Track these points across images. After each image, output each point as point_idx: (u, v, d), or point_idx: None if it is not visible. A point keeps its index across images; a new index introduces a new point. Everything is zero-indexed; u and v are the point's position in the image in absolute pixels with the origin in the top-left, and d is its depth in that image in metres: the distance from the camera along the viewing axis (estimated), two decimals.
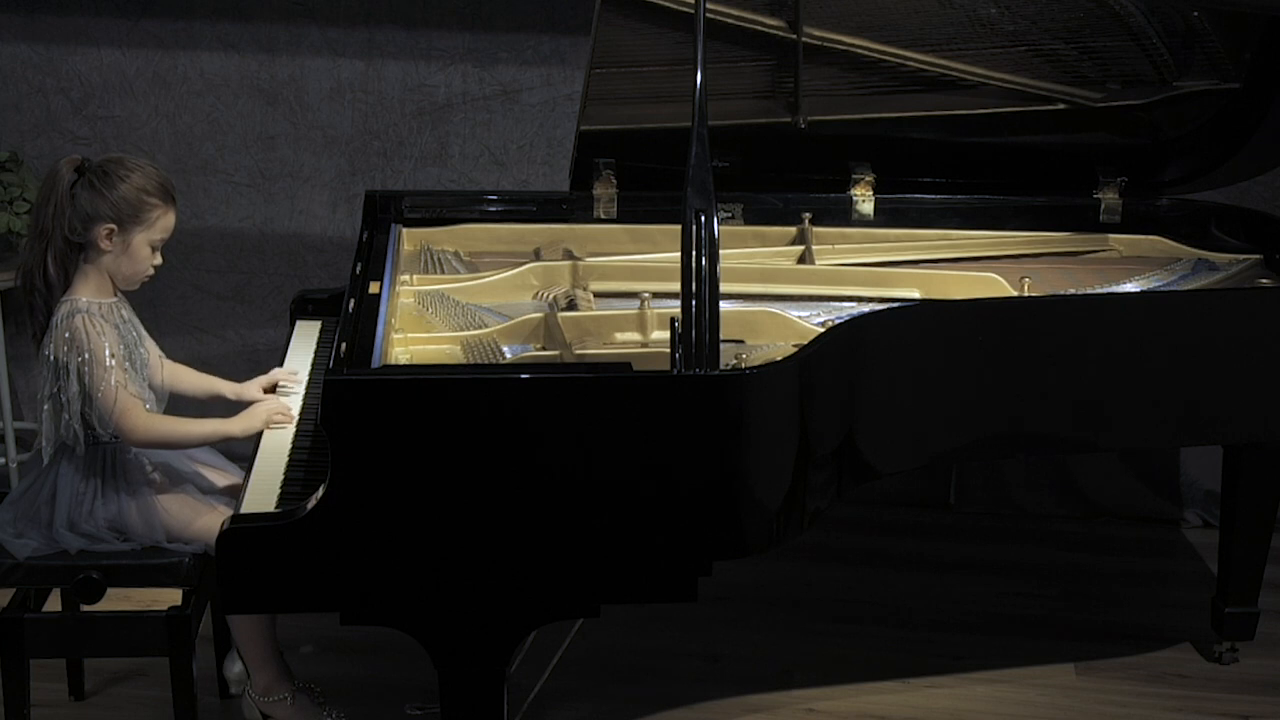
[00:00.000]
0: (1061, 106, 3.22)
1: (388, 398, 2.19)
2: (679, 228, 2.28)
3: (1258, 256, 3.20)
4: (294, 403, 2.78)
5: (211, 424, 2.63)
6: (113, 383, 2.53)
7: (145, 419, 2.57)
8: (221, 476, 2.79)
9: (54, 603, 2.77)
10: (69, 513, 2.59)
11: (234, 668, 2.94)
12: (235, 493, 2.68)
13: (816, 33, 3.07)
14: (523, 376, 2.23)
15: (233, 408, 2.75)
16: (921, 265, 3.21)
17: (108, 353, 2.53)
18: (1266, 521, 3.15)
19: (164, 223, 2.60)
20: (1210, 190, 3.39)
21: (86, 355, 2.52)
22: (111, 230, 2.55)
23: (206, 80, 3.89)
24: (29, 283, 2.58)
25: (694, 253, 2.26)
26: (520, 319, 2.77)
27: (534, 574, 2.27)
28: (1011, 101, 3.21)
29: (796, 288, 3.04)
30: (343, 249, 3.95)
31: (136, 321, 2.68)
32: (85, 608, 2.63)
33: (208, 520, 2.59)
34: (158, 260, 2.64)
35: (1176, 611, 3.48)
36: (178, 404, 2.80)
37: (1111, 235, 3.34)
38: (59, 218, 2.54)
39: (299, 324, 3.19)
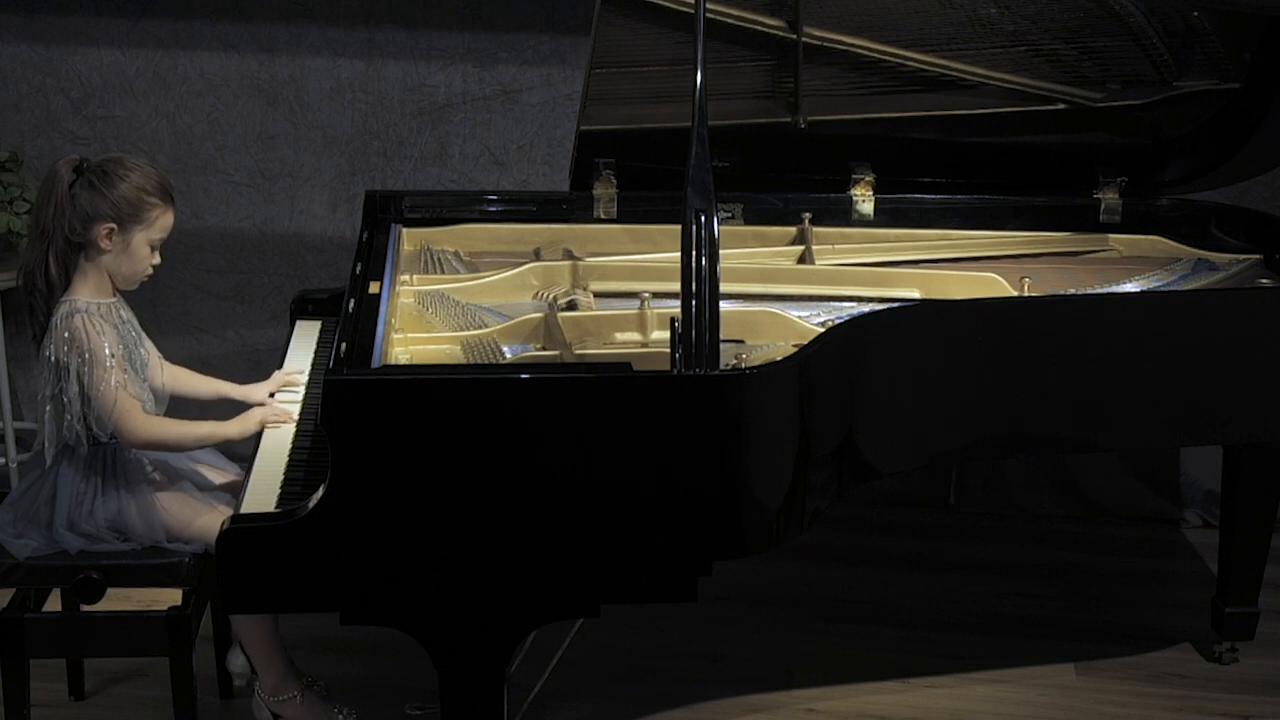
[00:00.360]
0: (1061, 106, 3.22)
1: (388, 398, 2.19)
2: (679, 228, 2.28)
3: (1258, 256, 3.20)
4: (293, 402, 2.79)
5: (208, 426, 2.64)
6: (112, 383, 2.53)
7: (144, 421, 2.57)
8: (220, 475, 2.79)
9: (54, 603, 2.77)
10: (69, 513, 2.59)
11: (236, 660, 2.94)
12: (234, 491, 2.69)
13: (816, 33, 3.07)
14: (523, 376, 2.23)
15: (237, 409, 2.75)
16: (921, 265, 3.21)
17: (107, 352, 2.53)
18: (1266, 521, 3.15)
19: (163, 222, 2.61)
20: (1210, 190, 3.39)
21: (86, 355, 2.52)
22: (111, 230, 2.55)
23: (206, 80, 3.89)
24: (30, 283, 2.59)
25: (694, 253, 2.26)
26: (520, 319, 2.77)
27: (534, 574, 2.27)
28: (1011, 101, 3.21)
29: (796, 288, 3.04)
30: (343, 249, 3.95)
31: (135, 322, 2.69)
32: (85, 608, 2.63)
33: (208, 520, 2.59)
34: (157, 260, 2.64)
35: (1176, 611, 3.48)
36: (182, 407, 2.80)
37: (1111, 235, 3.34)
38: (59, 218, 2.54)
39: (299, 324, 3.19)
